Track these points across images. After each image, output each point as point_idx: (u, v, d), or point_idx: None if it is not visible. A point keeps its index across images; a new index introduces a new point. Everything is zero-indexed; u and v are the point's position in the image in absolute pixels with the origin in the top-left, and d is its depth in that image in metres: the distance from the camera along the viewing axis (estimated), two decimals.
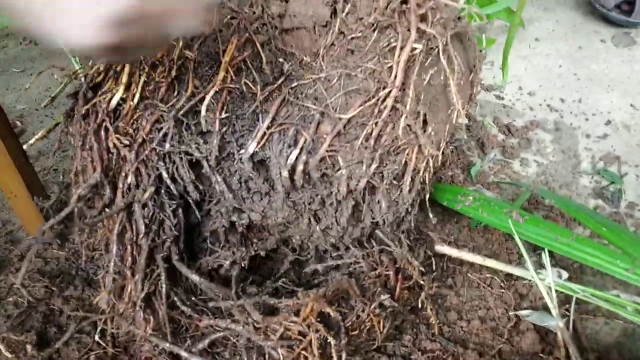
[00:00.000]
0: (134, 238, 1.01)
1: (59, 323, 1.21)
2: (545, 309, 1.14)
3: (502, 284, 1.23)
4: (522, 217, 1.14)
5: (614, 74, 1.95)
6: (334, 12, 0.93)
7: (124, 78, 1.00)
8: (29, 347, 1.14)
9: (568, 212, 1.24)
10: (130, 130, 1.02)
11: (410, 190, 1.03)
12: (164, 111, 1.00)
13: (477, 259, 1.18)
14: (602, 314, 1.18)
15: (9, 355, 1.12)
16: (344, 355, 0.94)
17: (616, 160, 1.60)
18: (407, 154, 1.00)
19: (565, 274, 1.16)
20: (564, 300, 1.16)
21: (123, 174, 1.00)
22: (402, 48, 0.91)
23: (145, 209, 1.01)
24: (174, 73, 0.99)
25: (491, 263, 1.17)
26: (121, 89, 1.00)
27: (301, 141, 0.97)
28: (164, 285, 1.01)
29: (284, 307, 0.97)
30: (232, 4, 0.96)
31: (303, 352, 0.92)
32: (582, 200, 1.49)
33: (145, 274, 1.00)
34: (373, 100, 0.93)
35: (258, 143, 0.98)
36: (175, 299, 1.03)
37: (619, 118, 1.75)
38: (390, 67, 0.92)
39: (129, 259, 1.01)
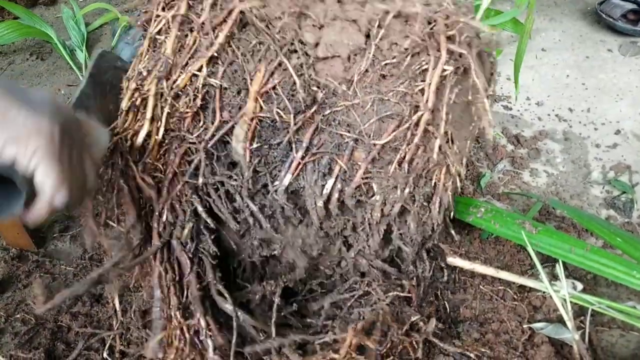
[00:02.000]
0: (177, 278, 0.98)
1: (67, 340, 1.20)
2: (560, 321, 1.13)
3: (515, 296, 1.21)
4: (535, 228, 1.12)
5: (622, 83, 1.94)
6: (368, 38, 0.92)
7: (148, 112, 0.98)
8: None
9: (581, 222, 1.22)
10: (159, 166, 1.00)
11: (439, 211, 1.02)
12: (193, 143, 0.98)
13: (489, 271, 1.17)
14: (617, 326, 1.17)
15: None
16: None
17: (627, 169, 1.58)
18: (437, 175, 1.00)
19: (579, 286, 1.14)
20: (578, 312, 1.14)
21: (157, 213, 0.98)
22: (433, 69, 0.90)
23: (186, 246, 0.99)
24: (198, 102, 0.97)
25: (504, 275, 1.15)
26: (146, 124, 0.98)
27: (336, 170, 0.96)
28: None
29: (321, 344, 0.95)
30: (260, 25, 0.93)
31: None
32: (594, 210, 1.47)
33: (204, 309, 0.96)
34: (406, 125, 0.93)
35: (292, 174, 0.97)
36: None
37: (628, 127, 1.74)
38: (422, 90, 0.91)
39: (172, 300, 0.97)
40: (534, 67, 2.06)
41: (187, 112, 0.98)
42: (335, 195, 0.98)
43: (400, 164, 0.95)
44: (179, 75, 0.99)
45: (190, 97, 0.98)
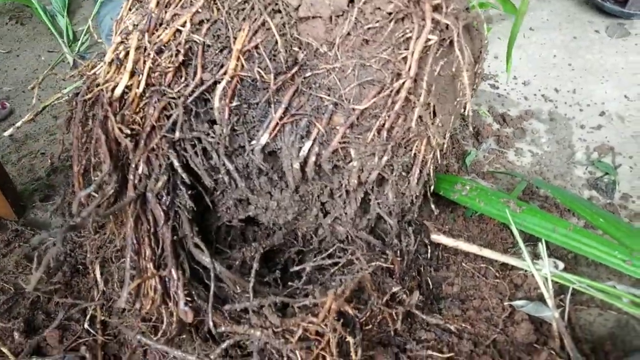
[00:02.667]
0: (151, 229, 0.96)
1: (47, 310, 1.18)
2: (540, 299, 1.14)
3: (497, 274, 1.22)
4: (520, 207, 1.13)
5: (609, 65, 1.94)
6: (351, 1, 0.91)
7: (128, 65, 0.97)
8: (16, 335, 1.12)
9: (564, 203, 1.23)
10: (138, 119, 0.98)
11: (418, 182, 1.02)
12: (172, 98, 0.97)
13: (473, 248, 1.18)
14: (596, 305, 1.18)
15: None
16: (359, 351, 0.92)
17: (610, 151, 1.59)
18: (417, 146, 0.99)
19: (561, 265, 1.15)
20: (559, 291, 1.16)
21: (133, 165, 0.96)
22: (417, 38, 0.89)
23: (161, 199, 0.97)
24: (181, 58, 0.96)
25: (487, 253, 1.16)
26: (126, 76, 0.97)
27: (314, 132, 0.95)
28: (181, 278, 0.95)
29: (301, 307, 0.95)
30: None
31: (322, 352, 0.90)
32: (577, 190, 1.48)
33: (177, 261, 0.95)
34: (387, 92, 0.92)
35: (270, 134, 0.96)
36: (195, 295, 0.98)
37: (613, 109, 1.75)
38: (405, 58, 0.90)
39: (147, 251, 0.96)
40: (521, 46, 2.06)
41: (168, 67, 0.97)
42: (312, 158, 0.97)
43: (379, 131, 0.95)
44: (163, 30, 0.97)
45: (172, 52, 0.96)
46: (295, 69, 0.93)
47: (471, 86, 1.07)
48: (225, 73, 0.94)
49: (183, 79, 0.97)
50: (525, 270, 1.17)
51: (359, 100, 0.93)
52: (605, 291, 1.07)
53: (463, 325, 1.12)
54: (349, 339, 0.90)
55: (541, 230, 1.11)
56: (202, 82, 0.96)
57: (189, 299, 0.94)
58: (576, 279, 1.09)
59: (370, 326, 1.00)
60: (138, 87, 0.97)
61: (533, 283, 1.19)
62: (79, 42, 2.10)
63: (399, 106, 0.92)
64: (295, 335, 0.89)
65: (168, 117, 0.97)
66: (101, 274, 1.17)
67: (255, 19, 0.92)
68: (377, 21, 0.89)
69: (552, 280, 1.08)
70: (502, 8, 1.82)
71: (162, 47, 0.96)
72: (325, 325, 0.89)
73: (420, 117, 0.95)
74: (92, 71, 1.08)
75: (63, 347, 1.10)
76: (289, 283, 1.06)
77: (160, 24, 0.97)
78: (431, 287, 1.21)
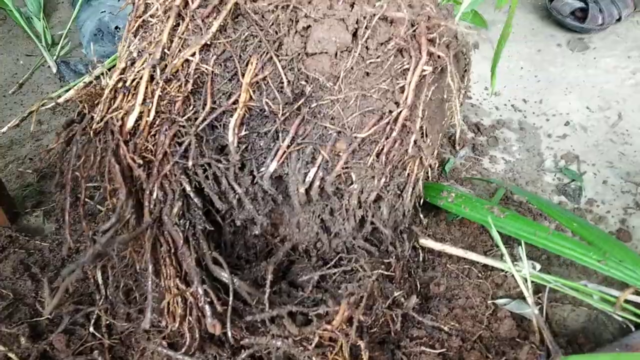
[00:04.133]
0: (172, 249, 1.01)
1: (49, 315, 1.20)
2: (520, 297, 1.24)
3: (479, 274, 1.31)
4: (503, 213, 1.23)
5: (571, 77, 2.08)
6: (355, 37, 0.97)
7: (139, 97, 1.01)
8: (22, 339, 1.13)
9: (540, 208, 1.33)
10: (150, 146, 1.03)
11: (411, 199, 1.10)
12: (183, 126, 1.01)
13: (459, 252, 1.27)
14: (569, 302, 1.29)
15: (2, 347, 1.11)
16: (367, 353, 0.99)
17: (575, 159, 1.72)
18: (411, 166, 1.08)
19: (538, 266, 1.25)
20: (535, 289, 1.26)
21: (147, 191, 1.00)
22: (414, 70, 0.97)
23: (179, 221, 1.01)
24: (189, 87, 1.00)
25: (472, 256, 1.26)
26: (137, 108, 1.01)
27: (319, 159, 1.02)
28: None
29: (316, 316, 1.01)
30: (256, 17, 0.98)
31: (336, 356, 0.97)
32: (547, 196, 1.60)
33: (202, 279, 0.98)
34: (386, 120, 1.00)
35: (278, 161, 1.02)
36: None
37: (576, 119, 1.88)
38: (402, 88, 0.98)
39: (169, 271, 1.00)
40: (490, 58, 2.16)
41: (178, 96, 1.01)
42: (317, 182, 1.04)
43: (378, 155, 1.03)
44: (172, 61, 1.01)
45: (182, 81, 1.01)
46: (302, 100, 1.00)
47: (457, 109, 1.16)
48: (234, 103, 1.00)
49: (192, 107, 1.02)
50: (506, 272, 1.27)
51: (360, 127, 1.01)
52: (579, 289, 1.18)
53: (452, 323, 1.21)
54: (360, 342, 0.97)
55: (523, 234, 1.20)
56: (211, 110, 1.02)
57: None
58: (553, 279, 1.19)
59: (374, 329, 1.07)
60: (149, 116, 1.01)
61: (512, 282, 1.28)
62: (59, 47, 2.09)
63: (397, 132, 1.00)
64: (312, 342, 0.96)
65: (179, 144, 1.02)
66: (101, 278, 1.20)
67: (263, 53, 0.99)
68: (379, 56, 0.97)
69: (530, 281, 1.18)
70: (473, 21, 1.92)
71: (171, 77, 1.01)
72: (339, 331, 0.96)
73: (415, 141, 1.03)
74: (86, 91, 1.12)
75: (70, 351, 1.12)
76: (293, 292, 1.12)
77: (170, 54, 1.02)
78: (419, 288, 1.29)
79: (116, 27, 2.01)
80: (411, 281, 1.25)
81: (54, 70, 1.99)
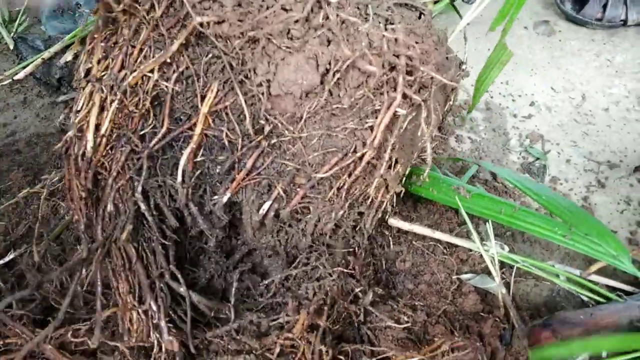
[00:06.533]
0: (127, 266, 0.97)
1: None
2: (484, 272, 1.25)
3: (444, 251, 1.31)
4: (469, 193, 1.22)
5: (537, 59, 2.10)
6: (324, 78, 0.90)
7: (95, 109, 0.98)
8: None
9: (512, 183, 1.32)
10: (106, 163, 1.00)
11: (371, 223, 1.09)
12: (137, 147, 0.98)
13: (427, 231, 1.27)
14: (532, 277, 1.30)
15: None
16: (331, 352, 0.97)
17: (540, 138, 1.73)
18: (375, 195, 1.05)
19: (507, 248, 1.26)
20: (500, 265, 1.27)
21: (101, 210, 0.97)
22: (386, 110, 0.91)
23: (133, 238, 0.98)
24: (147, 105, 0.96)
25: (440, 236, 1.26)
26: (92, 124, 0.98)
27: (275, 192, 0.98)
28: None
29: (275, 325, 0.99)
30: (218, 43, 0.90)
31: None
32: None
33: (155, 293, 0.95)
34: (349, 160, 0.95)
35: (232, 192, 0.98)
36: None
37: (541, 100, 1.90)
38: (371, 127, 0.93)
39: (125, 286, 0.96)
40: (459, 39, 2.17)
41: (134, 112, 0.97)
42: (272, 213, 1.00)
43: (339, 189, 0.99)
44: (131, 73, 0.96)
45: (140, 97, 0.96)
46: (262, 135, 0.95)
47: (437, 124, 1.11)
48: (190, 128, 0.96)
49: (150, 123, 0.98)
50: (471, 249, 1.28)
51: (322, 165, 0.96)
52: (546, 270, 1.19)
53: (416, 298, 1.21)
54: (321, 347, 0.95)
55: (489, 212, 1.21)
56: (168, 131, 0.97)
57: (170, 325, 0.94)
58: (520, 259, 1.20)
59: (337, 326, 1.05)
60: (103, 127, 0.97)
61: (477, 258, 1.29)
62: (16, 23, 2.02)
63: (360, 171, 0.96)
64: (274, 352, 0.94)
65: (135, 161, 0.99)
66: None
67: (225, 82, 0.93)
68: (348, 101, 0.91)
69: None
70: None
71: (129, 90, 0.96)
72: (300, 339, 0.95)
73: (381, 174, 0.99)
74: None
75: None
76: (255, 296, 1.10)
77: (129, 67, 0.97)
78: (384, 265, 1.29)
79: (77, 4, 1.95)
80: (375, 262, 1.25)
81: (11, 46, 1.92)
